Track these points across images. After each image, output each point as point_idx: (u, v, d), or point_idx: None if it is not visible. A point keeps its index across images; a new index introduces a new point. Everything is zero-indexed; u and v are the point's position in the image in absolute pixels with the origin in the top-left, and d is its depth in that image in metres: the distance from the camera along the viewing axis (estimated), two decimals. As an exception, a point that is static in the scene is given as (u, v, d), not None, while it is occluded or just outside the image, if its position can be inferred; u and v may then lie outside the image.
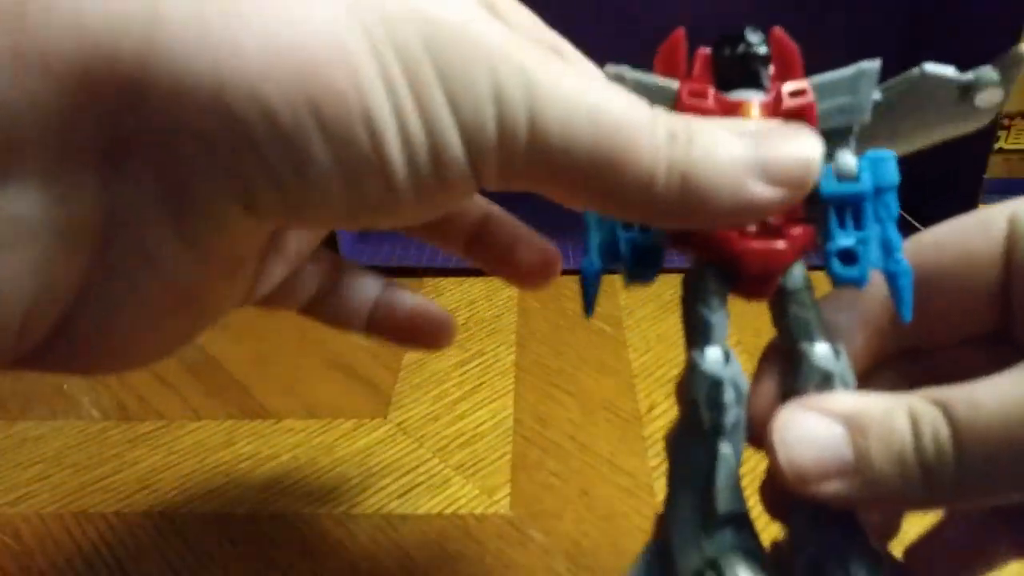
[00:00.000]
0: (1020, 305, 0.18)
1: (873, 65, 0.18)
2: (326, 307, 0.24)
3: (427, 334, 0.24)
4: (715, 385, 0.18)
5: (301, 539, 0.29)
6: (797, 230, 0.18)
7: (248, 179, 0.13)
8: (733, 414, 0.18)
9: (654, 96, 0.17)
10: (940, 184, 0.50)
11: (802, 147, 0.16)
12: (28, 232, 0.12)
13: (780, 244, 0.18)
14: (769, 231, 0.18)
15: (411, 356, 0.40)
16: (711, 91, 0.18)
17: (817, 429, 0.16)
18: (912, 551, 0.21)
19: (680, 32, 0.19)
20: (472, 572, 0.27)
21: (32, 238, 0.12)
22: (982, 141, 0.46)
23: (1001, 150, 0.59)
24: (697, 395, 0.18)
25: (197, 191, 0.13)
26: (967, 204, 0.47)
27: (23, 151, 0.11)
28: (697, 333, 0.18)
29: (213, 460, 0.33)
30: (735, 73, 0.18)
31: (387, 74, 0.13)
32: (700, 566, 0.18)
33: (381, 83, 0.13)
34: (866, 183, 0.18)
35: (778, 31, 0.19)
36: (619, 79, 0.18)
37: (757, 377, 0.19)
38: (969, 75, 0.19)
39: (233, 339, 0.44)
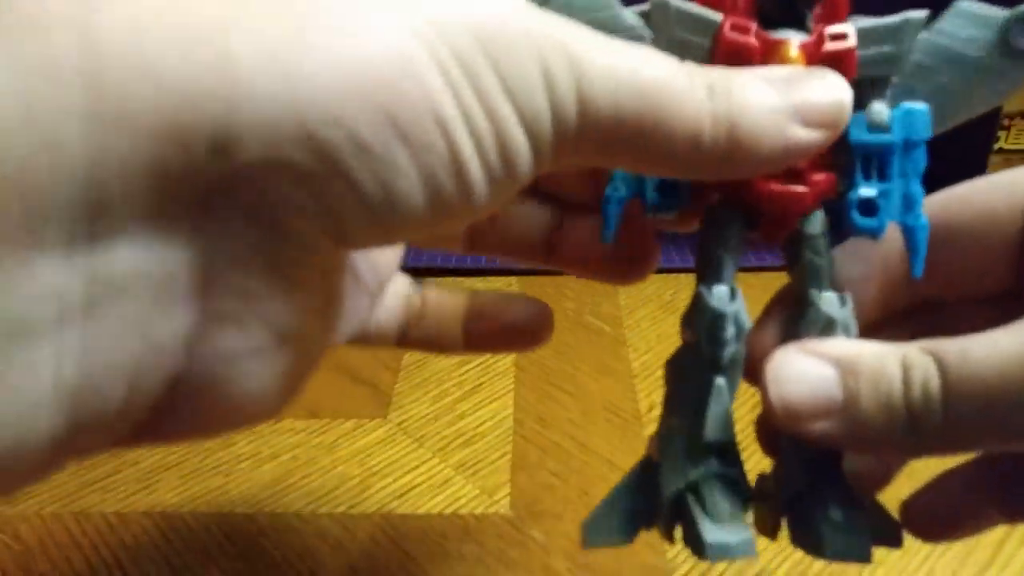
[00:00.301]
0: None
1: (919, 15, 0.18)
2: (420, 333, 0.23)
3: (528, 335, 0.23)
4: (718, 319, 0.18)
5: (301, 539, 0.29)
6: (819, 176, 0.18)
7: (338, 205, 0.13)
8: (732, 349, 0.18)
9: (697, 27, 0.18)
10: (940, 184, 0.50)
11: (832, 89, 0.16)
12: (123, 291, 0.12)
13: (801, 188, 0.18)
14: (792, 175, 0.18)
15: (411, 356, 0.40)
16: (753, 26, 0.18)
17: (810, 370, 0.17)
18: (905, 506, 0.21)
19: None
20: (472, 572, 0.27)
21: (128, 297, 0.12)
22: (982, 141, 0.46)
23: (1001, 150, 0.59)
24: (699, 328, 0.18)
25: (289, 227, 0.13)
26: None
27: (111, 209, 0.11)
28: (708, 269, 0.19)
29: (213, 460, 0.33)
30: (779, 12, 0.18)
31: (449, 76, 0.13)
32: (682, 488, 0.18)
33: (446, 86, 0.13)
34: (896, 135, 0.18)
35: None
36: (663, 7, 0.18)
37: (763, 318, 0.20)
38: (1006, 12, 0.18)
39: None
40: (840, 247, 0.19)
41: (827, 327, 0.18)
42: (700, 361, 0.18)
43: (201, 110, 0.11)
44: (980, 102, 0.20)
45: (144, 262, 0.12)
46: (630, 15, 0.18)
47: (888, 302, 0.20)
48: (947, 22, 0.19)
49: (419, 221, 0.14)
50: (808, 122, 0.16)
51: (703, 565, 0.27)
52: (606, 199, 0.20)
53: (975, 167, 0.46)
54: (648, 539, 0.28)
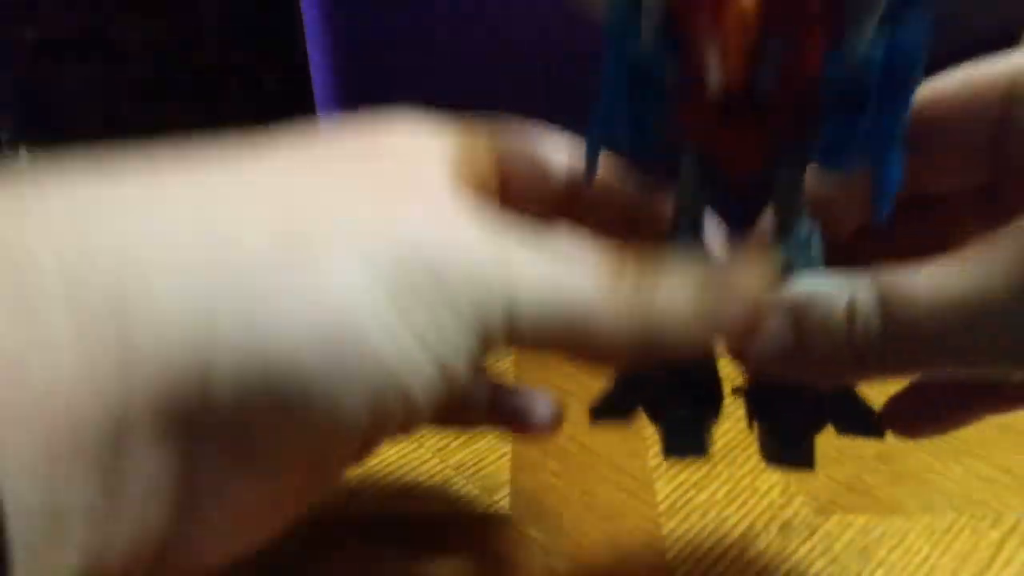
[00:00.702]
0: (1006, 166, 0.19)
1: None
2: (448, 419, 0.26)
3: (533, 428, 0.26)
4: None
5: (299, 540, 0.29)
6: (780, 118, 0.18)
7: (302, 430, 0.16)
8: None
9: None
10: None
11: (753, 288, 0.18)
12: (130, 490, 0.15)
13: (751, 147, 0.18)
14: (757, 112, 0.18)
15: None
16: None
17: (770, 324, 0.18)
18: (890, 403, 0.22)
19: None
20: (472, 572, 0.27)
21: (131, 494, 0.15)
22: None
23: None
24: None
25: (261, 445, 0.16)
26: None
27: (129, 430, 0.14)
28: (682, 218, 0.20)
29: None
30: None
31: (389, 327, 0.16)
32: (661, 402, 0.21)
33: (385, 333, 0.16)
34: (874, 73, 0.17)
35: None
36: None
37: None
38: None
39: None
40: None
41: (785, 267, 0.19)
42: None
43: (188, 358, 0.15)
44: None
45: (147, 468, 0.15)
46: None
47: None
48: None
49: (369, 436, 0.17)
50: (721, 325, 0.18)
51: (704, 564, 0.27)
52: (588, 137, 0.20)
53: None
54: (649, 540, 0.28)
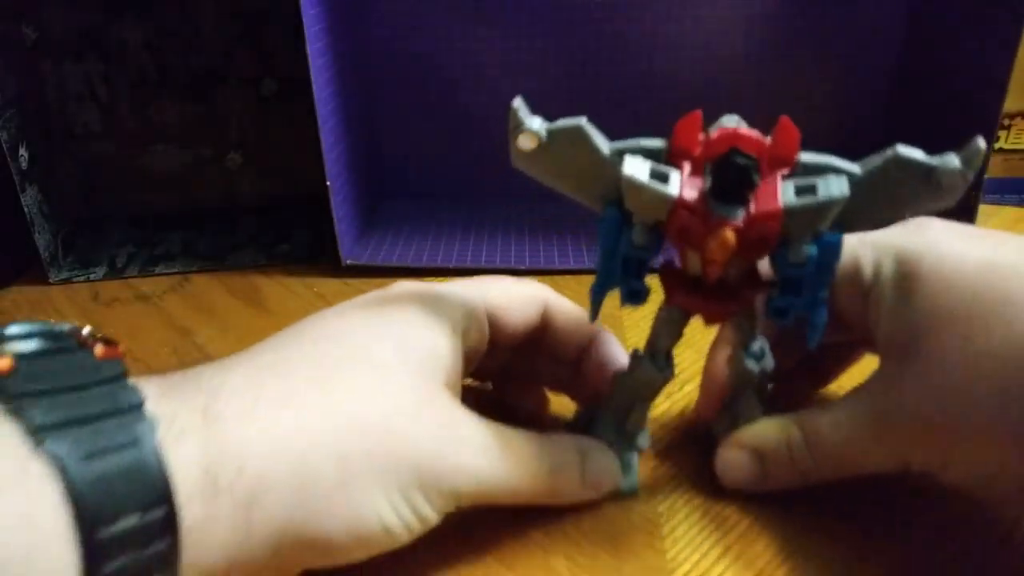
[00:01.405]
0: (842, 325, 0.29)
1: (844, 194, 0.23)
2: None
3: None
4: (652, 381, 0.29)
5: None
6: (748, 292, 0.27)
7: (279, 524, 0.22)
8: (655, 389, 0.30)
9: (654, 200, 0.24)
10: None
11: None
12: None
13: (721, 311, 0.27)
14: (730, 289, 0.26)
15: (411, 356, 0.39)
16: (701, 208, 0.24)
17: (738, 459, 0.30)
18: (777, 385, 0.32)
19: (697, 115, 0.24)
20: (471, 571, 0.27)
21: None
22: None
23: (1001, 150, 0.59)
24: (635, 378, 0.29)
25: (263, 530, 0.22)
26: (966, 204, 0.47)
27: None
28: (655, 347, 0.29)
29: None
30: (727, 191, 0.24)
31: (347, 481, 0.23)
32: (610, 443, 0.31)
33: (338, 481, 0.23)
34: (809, 268, 0.24)
35: (785, 120, 0.24)
36: (631, 182, 0.24)
37: (716, 342, 0.32)
38: (935, 160, 0.23)
39: (234, 341, 0.44)
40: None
41: (752, 371, 0.29)
42: (631, 388, 0.29)
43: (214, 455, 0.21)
44: (897, 218, 0.25)
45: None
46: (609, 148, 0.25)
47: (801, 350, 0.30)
48: (879, 167, 0.24)
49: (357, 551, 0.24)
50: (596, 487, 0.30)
51: (703, 565, 0.27)
52: (594, 289, 0.27)
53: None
54: (649, 540, 0.28)
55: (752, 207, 0.23)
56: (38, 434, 0.18)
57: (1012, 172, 0.59)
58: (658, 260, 0.27)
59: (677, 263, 0.27)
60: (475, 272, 0.47)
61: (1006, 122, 0.58)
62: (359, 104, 0.57)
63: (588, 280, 0.27)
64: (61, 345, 0.21)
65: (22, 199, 0.48)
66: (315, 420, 0.23)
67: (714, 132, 0.24)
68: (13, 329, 0.21)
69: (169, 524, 0.20)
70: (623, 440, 0.30)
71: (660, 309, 0.28)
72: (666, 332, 0.28)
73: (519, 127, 0.24)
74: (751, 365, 0.28)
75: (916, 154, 0.23)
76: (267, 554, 0.22)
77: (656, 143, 0.25)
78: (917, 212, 0.24)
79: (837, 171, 0.24)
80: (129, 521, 0.19)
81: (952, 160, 0.23)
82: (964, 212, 0.48)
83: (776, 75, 0.59)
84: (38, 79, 0.57)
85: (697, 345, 0.35)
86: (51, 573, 0.18)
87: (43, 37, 0.56)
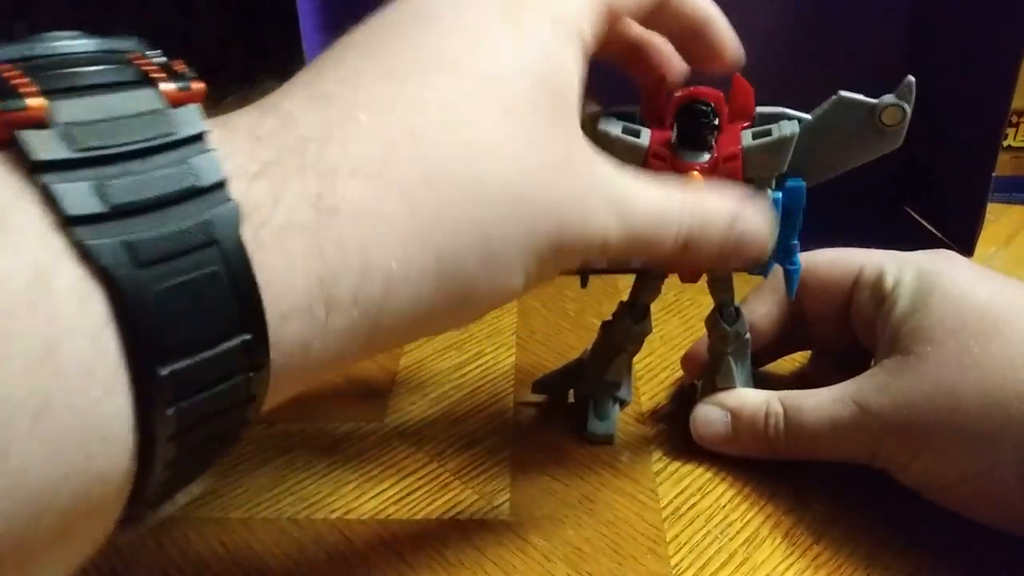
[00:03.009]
0: (855, 324, 0.32)
1: (794, 132, 0.26)
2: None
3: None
4: (634, 335, 0.33)
5: (297, 544, 0.28)
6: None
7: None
8: (636, 342, 0.33)
9: (628, 151, 0.27)
10: (948, 182, 0.50)
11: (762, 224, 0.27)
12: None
13: (694, 269, 0.30)
14: None
15: (409, 358, 0.39)
16: (669, 154, 0.27)
17: (713, 416, 0.32)
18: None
19: (664, 84, 0.28)
20: (471, 579, 0.27)
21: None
22: (990, 139, 0.45)
23: (1009, 148, 0.58)
24: (623, 332, 0.32)
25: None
26: (975, 202, 0.47)
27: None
28: (635, 307, 0.32)
29: (208, 464, 0.32)
30: (690, 135, 0.27)
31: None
32: (587, 394, 0.34)
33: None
34: (778, 212, 0.27)
35: (739, 78, 0.28)
36: (606, 136, 0.27)
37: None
38: (875, 100, 0.27)
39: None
40: (753, 292, 0.35)
41: (729, 336, 0.31)
42: (612, 338, 0.32)
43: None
44: (850, 163, 0.28)
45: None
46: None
47: (782, 316, 0.34)
48: (827, 110, 0.27)
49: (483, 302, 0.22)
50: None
51: (707, 572, 0.27)
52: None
53: (983, 164, 0.45)
54: (652, 545, 0.28)
55: (716, 153, 0.27)
56: (75, 228, 0.13)
57: (1020, 170, 0.58)
58: None
59: None
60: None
61: (1013, 119, 0.57)
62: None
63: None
64: (117, 78, 0.15)
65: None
66: (456, 197, 0.19)
67: (677, 93, 0.28)
68: (48, 45, 0.16)
69: (251, 354, 0.15)
70: (605, 390, 0.33)
71: (636, 277, 0.32)
72: (645, 288, 0.31)
73: None
74: (725, 325, 0.31)
75: (858, 96, 0.27)
76: (374, 351, 0.19)
77: (629, 108, 0.28)
78: (868, 156, 0.27)
79: (789, 118, 0.27)
80: (202, 354, 0.14)
81: (888, 96, 0.27)
82: (972, 210, 0.47)
83: (776, 75, 0.58)
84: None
85: (684, 314, 0.40)
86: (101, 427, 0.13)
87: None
